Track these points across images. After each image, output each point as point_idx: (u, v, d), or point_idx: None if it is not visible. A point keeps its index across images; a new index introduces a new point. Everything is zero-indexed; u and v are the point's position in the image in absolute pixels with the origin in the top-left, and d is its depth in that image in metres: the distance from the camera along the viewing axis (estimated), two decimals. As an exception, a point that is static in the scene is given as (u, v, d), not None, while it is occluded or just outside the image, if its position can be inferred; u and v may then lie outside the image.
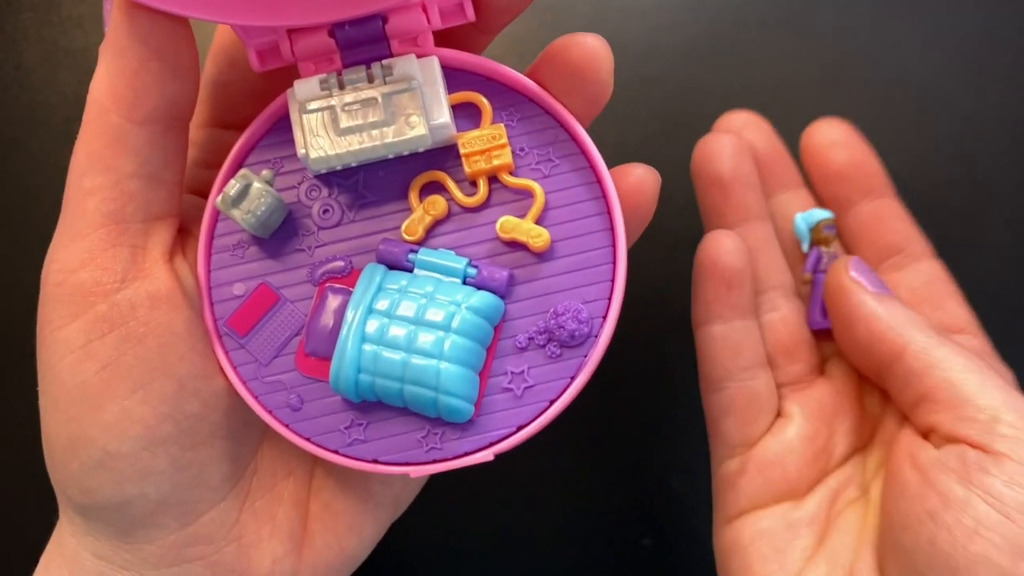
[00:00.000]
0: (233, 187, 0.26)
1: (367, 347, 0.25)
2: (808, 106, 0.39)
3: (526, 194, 0.27)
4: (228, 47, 0.29)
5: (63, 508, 0.27)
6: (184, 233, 0.28)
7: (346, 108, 0.25)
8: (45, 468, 0.27)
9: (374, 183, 0.27)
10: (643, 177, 0.27)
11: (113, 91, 0.25)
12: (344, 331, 0.25)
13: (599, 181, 0.27)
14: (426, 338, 0.25)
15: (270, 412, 0.27)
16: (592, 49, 0.26)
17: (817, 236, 0.36)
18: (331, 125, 0.26)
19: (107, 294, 0.25)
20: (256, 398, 0.27)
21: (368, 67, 0.26)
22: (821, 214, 0.36)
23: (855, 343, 0.32)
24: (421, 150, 0.26)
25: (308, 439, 0.27)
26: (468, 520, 0.31)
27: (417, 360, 0.25)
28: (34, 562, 0.28)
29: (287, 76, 0.28)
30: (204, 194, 0.28)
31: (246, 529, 0.27)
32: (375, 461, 0.26)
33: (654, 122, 0.36)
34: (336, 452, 0.26)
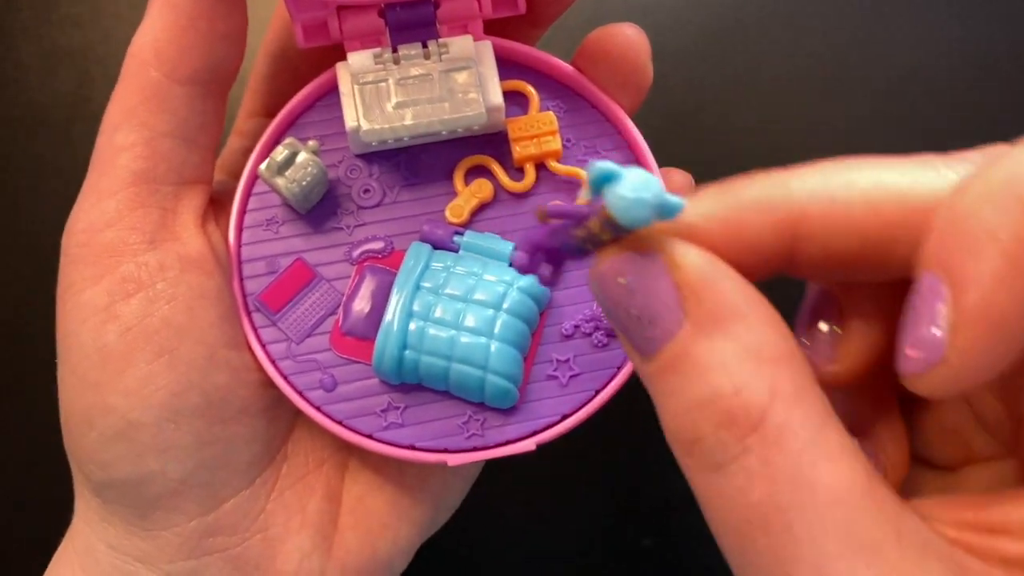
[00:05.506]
0: (280, 153, 0.25)
1: (413, 324, 0.24)
2: (808, 105, 0.40)
3: (573, 182, 0.27)
4: (279, 39, 0.28)
5: (79, 491, 0.25)
6: (216, 206, 0.27)
7: (401, 82, 0.25)
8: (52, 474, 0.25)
9: (416, 166, 0.27)
10: (681, 184, 0.28)
11: (157, 46, 0.24)
12: (390, 306, 0.24)
13: None
14: (475, 316, 0.24)
15: (300, 393, 0.25)
16: (630, 39, 0.26)
17: None
18: (385, 98, 0.25)
19: (135, 254, 0.24)
20: (286, 378, 0.25)
21: (424, 44, 0.26)
22: None
23: None
24: (476, 128, 0.26)
25: (340, 422, 0.25)
26: (466, 520, 0.30)
27: (466, 338, 0.24)
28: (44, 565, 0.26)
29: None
30: None
31: (273, 520, 0.25)
32: (412, 447, 0.25)
33: (654, 121, 0.36)
34: (370, 437, 0.25)
